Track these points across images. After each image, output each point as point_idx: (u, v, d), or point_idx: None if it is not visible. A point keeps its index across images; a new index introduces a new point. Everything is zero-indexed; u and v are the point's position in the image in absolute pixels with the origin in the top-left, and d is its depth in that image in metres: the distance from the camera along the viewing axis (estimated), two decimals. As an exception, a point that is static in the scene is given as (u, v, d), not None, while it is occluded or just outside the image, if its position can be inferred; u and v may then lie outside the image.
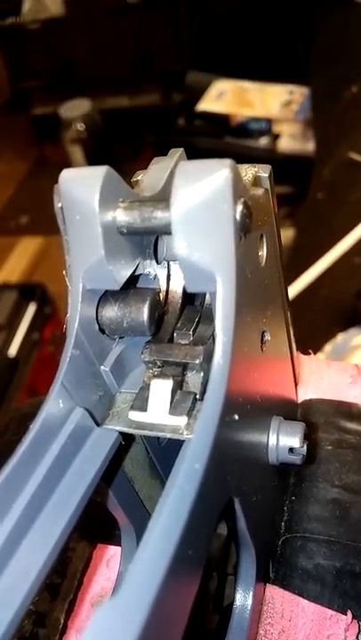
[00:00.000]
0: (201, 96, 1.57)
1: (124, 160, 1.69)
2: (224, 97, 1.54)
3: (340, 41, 1.17)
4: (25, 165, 1.88)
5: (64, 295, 0.22)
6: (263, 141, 1.47)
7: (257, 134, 1.48)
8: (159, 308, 0.22)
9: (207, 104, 1.55)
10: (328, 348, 0.72)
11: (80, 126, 1.65)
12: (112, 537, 0.28)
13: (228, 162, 0.18)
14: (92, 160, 1.68)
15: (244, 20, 1.52)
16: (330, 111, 1.11)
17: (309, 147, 1.33)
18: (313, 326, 0.77)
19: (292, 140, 1.43)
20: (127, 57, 1.77)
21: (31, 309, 1.21)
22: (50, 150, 1.83)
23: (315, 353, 0.44)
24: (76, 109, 1.66)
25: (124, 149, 1.72)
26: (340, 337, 0.72)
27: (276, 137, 1.45)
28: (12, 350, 1.15)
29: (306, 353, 0.33)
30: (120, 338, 0.23)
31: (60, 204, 0.20)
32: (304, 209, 1.05)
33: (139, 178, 0.24)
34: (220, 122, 1.52)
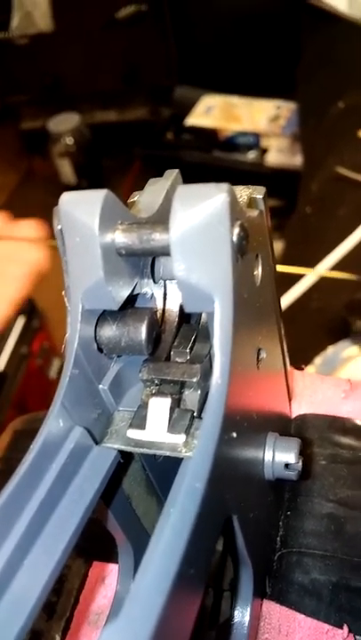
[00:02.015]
0: (189, 111, 1.58)
1: (112, 174, 1.70)
2: (212, 112, 1.56)
3: (326, 57, 1.19)
4: (14, 179, 1.88)
5: (52, 308, 0.22)
6: (251, 155, 1.48)
7: (245, 148, 1.49)
8: (156, 327, 0.23)
9: (195, 119, 1.56)
10: (318, 360, 0.72)
11: (69, 140, 1.66)
12: (108, 555, 0.28)
13: (225, 186, 0.18)
14: (80, 174, 1.68)
15: (232, 36, 1.54)
16: (317, 126, 1.13)
17: (297, 161, 1.34)
18: (303, 339, 0.78)
19: (279, 155, 1.45)
20: (116, 72, 1.79)
21: (19, 323, 1.20)
22: (38, 164, 1.83)
23: (305, 365, 0.44)
24: (64, 123, 1.67)
25: (112, 163, 1.73)
26: (331, 349, 0.73)
27: (263, 151, 1.47)
28: (1, 364, 1.14)
29: (299, 368, 0.34)
30: (118, 357, 0.23)
31: (59, 226, 0.20)
32: (293, 222, 1.06)
33: (135, 199, 0.24)
34: (208, 136, 1.53)
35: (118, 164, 1.71)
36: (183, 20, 1.64)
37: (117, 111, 1.80)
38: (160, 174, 0.25)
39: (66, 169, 1.70)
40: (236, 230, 0.18)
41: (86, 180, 1.72)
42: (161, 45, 1.69)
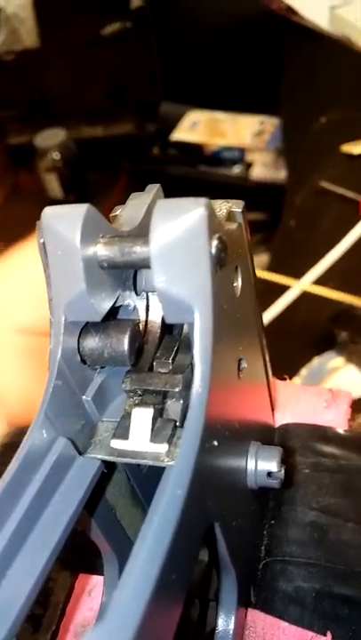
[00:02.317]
0: (175, 126, 1.60)
1: (99, 188, 1.70)
2: (197, 127, 1.58)
3: (308, 73, 1.22)
4: (0, 194, 1.88)
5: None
6: (236, 170, 1.50)
7: (230, 163, 1.51)
8: (139, 338, 0.23)
9: (181, 134, 1.58)
10: (304, 371, 0.73)
11: (55, 155, 1.67)
12: (94, 566, 0.28)
13: (202, 200, 0.19)
14: (67, 188, 1.69)
15: (216, 53, 1.56)
16: (300, 141, 1.15)
17: (281, 175, 1.36)
18: (289, 351, 0.78)
19: (264, 169, 1.46)
20: (101, 88, 1.81)
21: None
22: (25, 179, 1.84)
23: (291, 377, 0.44)
24: (51, 139, 1.68)
25: (99, 178, 1.74)
26: (316, 361, 0.73)
27: (248, 165, 1.49)
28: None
29: (282, 378, 0.34)
30: (101, 368, 0.23)
31: (42, 240, 0.21)
32: (277, 235, 1.07)
33: (117, 213, 0.25)
34: (193, 151, 1.55)
35: (105, 178, 1.72)
36: (168, 38, 1.66)
37: (103, 126, 1.81)
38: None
39: (53, 184, 1.71)
40: (215, 243, 0.19)
41: (73, 195, 1.72)
42: (146, 62, 1.72)
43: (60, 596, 0.28)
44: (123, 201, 0.25)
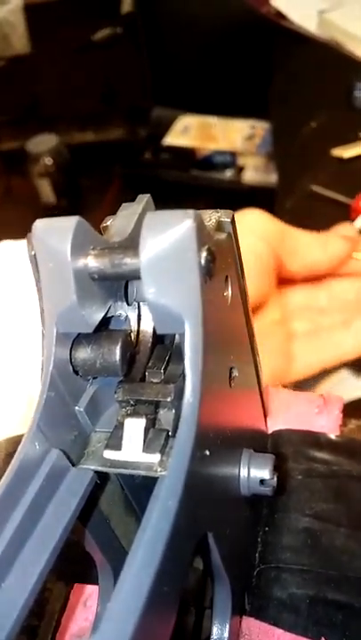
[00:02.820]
0: (166, 131, 1.60)
1: (91, 193, 1.71)
2: (189, 131, 1.59)
3: (297, 77, 1.22)
4: (-8, 199, 1.88)
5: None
6: (228, 174, 1.51)
7: (222, 167, 1.52)
8: (130, 348, 0.23)
9: (173, 138, 1.59)
10: (297, 375, 0.73)
11: (48, 160, 1.67)
12: (89, 576, 0.28)
13: (191, 212, 0.19)
14: (60, 194, 1.69)
15: (207, 58, 1.57)
16: (290, 145, 1.15)
17: (272, 178, 1.37)
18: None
19: (255, 173, 1.47)
20: (93, 93, 1.81)
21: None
22: (17, 184, 1.84)
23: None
24: (43, 144, 1.68)
25: (91, 183, 1.74)
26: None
27: (240, 169, 1.50)
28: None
29: (274, 385, 0.34)
30: (94, 378, 0.23)
31: (33, 252, 0.21)
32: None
33: (108, 223, 0.25)
34: (185, 155, 1.55)
35: (97, 183, 1.73)
36: (158, 43, 1.67)
37: (95, 131, 1.82)
38: (138, 193, 0.25)
39: (45, 189, 1.71)
40: (204, 254, 0.19)
41: (65, 200, 1.72)
42: (137, 67, 1.72)
43: (55, 606, 0.28)
44: (115, 206, 0.25)
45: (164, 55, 1.68)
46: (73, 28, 1.78)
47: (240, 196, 1.43)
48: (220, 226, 0.23)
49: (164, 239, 0.18)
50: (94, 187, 1.73)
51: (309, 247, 0.51)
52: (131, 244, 0.21)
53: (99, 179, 1.74)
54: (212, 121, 1.59)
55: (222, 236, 0.23)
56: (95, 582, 0.27)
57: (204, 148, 1.54)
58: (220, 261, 0.21)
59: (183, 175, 1.54)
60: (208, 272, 0.19)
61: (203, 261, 0.19)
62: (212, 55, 1.56)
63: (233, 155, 1.51)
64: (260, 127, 1.52)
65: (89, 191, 1.74)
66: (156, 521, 0.17)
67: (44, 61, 1.80)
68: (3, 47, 1.86)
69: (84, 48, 1.78)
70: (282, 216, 1.02)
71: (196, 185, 1.50)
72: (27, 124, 1.80)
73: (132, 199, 0.25)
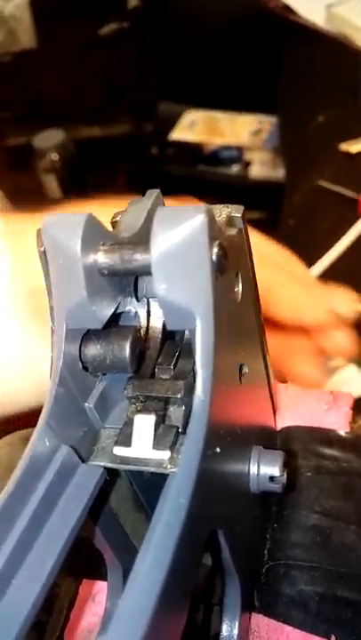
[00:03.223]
0: (173, 126, 1.60)
1: (97, 189, 1.70)
2: (196, 126, 1.58)
3: (305, 72, 1.21)
4: (-1, 195, 1.88)
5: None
6: (235, 169, 1.50)
7: (228, 162, 1.51)
8: (140, 344, 0.23)
9: (180, 133, 1.58)
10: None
11: (54, 156, 1.66)
12: (98, 572, 0.28)
13: (202, 207, 0.19)
14: (66, 189, 1.69)
15: (213, 52, 1.56)
16: (298, 140, 1.15)
17: (280, 174, 1.36)
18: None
19: (262, 168, 1.46)
20: (99, 88, 1.80)
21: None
22: (24, 180, 1.84)
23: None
24: (49, 140, 1.67)
25: (97, 178, 1.74)
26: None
27: (247, 164, 1.49)
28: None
29: (283, 381, 0.34)
30: (103, 375, 0.23)
31: (42, 248, 0.21)
32: (276, 235, 1.07)
33: (117, 219, 0.25)
34: (192, 150, 1.55)
35: (103, 179, 1.72)
36: (165, 37, 1.66)
37: (101, 127, 1.81)
38: (145, 189, 0.25)
39: (52, 185, 1.71)
40: (215, 250, 0.19)
41: (72, 196, 1.72)
42: (143, 62, 1.71)
43: (65, 601, 0.28)
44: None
45: (171, 50, 1.67)
46: (79, 22, 1.77)
47: (247, 192, 1.42)
48: (230, 221, 0.23)
49: (176, 234, 0.18)
50: (100, 182, 1.72)
51: (295, 300, 0.46)
52: (141, 239, 0.21)
53: (105, 174, 1.73)
54: (219, 116, 1.58)
55: (233, 231, 0.23)
56: (104, 578, 0.27)
57: (211, 143, 1.53)
58: (231, 257, 0.20)
59: (189, 170, 1.53)
60: (219, 268, 0.19)
61: (214, 257, 0.19)
62: (218, 50, 1.55)
63: (240, 150, 1.51)
64: (267, 122, 1.51)
65: (95, 187, 1.73)
66: (167, 519, 0.16)
67: (49, 56, 1.79)
68: (9, 42, 1.85)
69: (91, 43, 1.77)
70: (289, 212, 1.02)
71: (202, 180, 1.50)
72: (33, 120, 1.80)
73: (139, 195, 0.25)
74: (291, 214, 1.01)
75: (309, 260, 0.83)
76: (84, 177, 1.74)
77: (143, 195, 0.25)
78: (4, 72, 1.82)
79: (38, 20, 1.82)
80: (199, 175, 1.51)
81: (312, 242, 0.90)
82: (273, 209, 1.14)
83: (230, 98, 1.55)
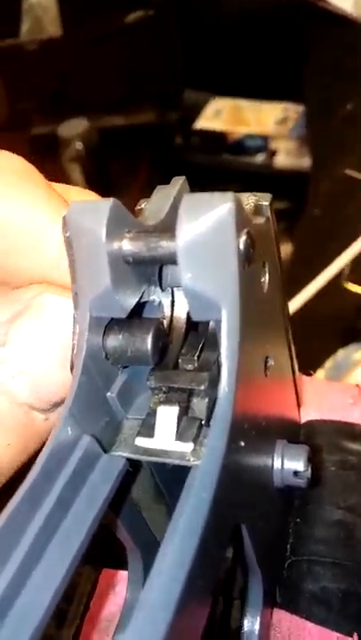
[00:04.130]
0: (197, 114, 1.58)
1: (121, 178, 1.70)
2: (221, 115, 1.56)
3: (333, 59, 1.19)
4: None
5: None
6: (260, 158, 1.48)
7: (253, 151, 1.49)
8: (163, 337, 0.23)
9: (205, 122, 1.57)
10: (329, 364, 0.72)
11: (78, 145, 1.66)
12: (117, 561, 0.28)
13: (230, 195, 0.18)
14: (89, 178, 1.69)
15: (239, 39, 1.54)
16: (325, 128, 1.13)
17: (305, 163, 1.34)
18: (313, 342, 0.77)
19: (287, 157, 1.44)
20: (123, 76, 1.79)
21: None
22: (48, 169, 1.84)
23: (315, 370, 0.43)
24: (73, 129, 1.67)
25: (121, 167, 1.73)
26: (341, 353, 0.72)
27: (272, 153, 1.47)
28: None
29: (307, 374, 0.33)
30: (124, 367, 0.23)
31: (68, 234, 0.20)
32: (301, 225, 1.06)
33: (142, 206, 0.24)
34: (216, 139, 1.53)
35: (127, 167, 1.72)
36: (190, 25, 1.64)
37: (125, 116, 1.80)
38: (169, 178, 0.25)
39: (75, 174, 1.71)
40: (243, 239, 0.18)
41: (95, 185, 1.72)
42: (168, 50, 1.70)
43: (84, 590, 0.28)
44: (145, 191, 0.25)
45: (196, 38, 1.65)
46: (105, 10, 1.76)
47: (272, 181, 1.41)
48: (257, 210, 0.23)
49: (203, 222, 0.18)
50: (124, 171, 1.72)
51: None
52: (166, 227, 0.21)
53: (128, 163, 1.73)
54: (244, 104, 1.56)
55: (261, 220, 0.22)
56: (123, 568, 0.27)
57: (236, 132, 1.52)
58: (258, 247, 0.20)
59: (214, 159, 1.52)
60: (247, 257, 0.19)
61: (242, 246, 0.18)
62: (245, 37, 1.53)
63: (265, 139, 1.49)
64: (293, 110, 1.48)
65: (119, 176, 1.73)
66: (191, 512, 0.16)
67: (75, 45, 1.78)
68: (35, 30, 1.85)
69: (116, 31, 1.76)
70: (315, 201, 1.00)
71: (226, 169, 1.48)
72: (57, 109, 1.80)
73: (163, 184, 0.25)
74: (316, 203, 0.99)
75: (335, 249, 0.82)
76: (108, 166, 1.74)
77: (166, 184, 0.25)
78: (29, 60, 1.82)
79: (64, 9, 1.81)
80: (224, 164, 1.50)
81: (338, 231, 0.89)
82: (298, 198, 1.13)
83: (256, 86, 1.53)
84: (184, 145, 1.60)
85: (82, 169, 1.68)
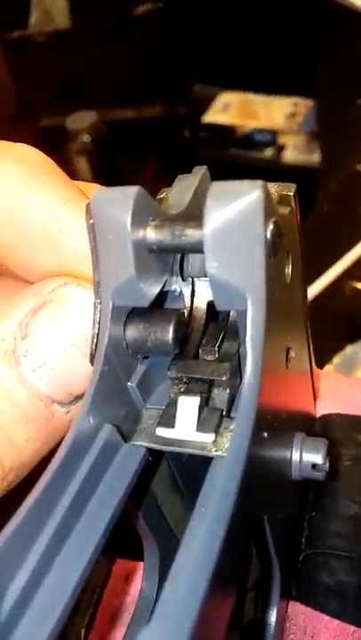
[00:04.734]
0: (206, 108, 1.58)
1: (129, 171, 1.70)
2: (229, 109, 1.55)
3: (345, 54, 1.18)
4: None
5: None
6: (268, 153, 1.48)
7: (262, 146, 1.48)
8: (183, 328, 0.23)
9: (213, 116, 1.56)
10: (337, 360, 0.72)
11: (86, 138, 1.66)
12: (131, 552, 0.28)
13: (259, 183, 0.18)
14: (97, 171, 1.68)
15: (249, 33, 1.53)
16: (335, 124, 1.12)
17: (314, 158, 1.33)
18: (321, 338, 0.77)
19: (296, 152, 1.44)
20: (132, 69, 1.79)
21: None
22: (55, 161, 1.84)
23: (323, 366, 0.43)
24: (82, 121, 1.67)
25: (129, 160, 1.73)
26: (349, 349, 0.72)
27: (281, 148, 1.46)
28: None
29: (319, 367, 0.33)
30: (144, 358, 0.23)
31: (91, 221, 0.20)
32: (311, 220, 1.05)
33: (164, 195, 0.24)
34: (225, 133, 1.53)
35: (135, 160, 1.71)
36: (200, 18, 1.63)
37: (134, 109, 1.80)
38: (177, 171, 0.25)
39: (83, 166, 1.70)
40: (270, 228, 0.18)
41: (103, 178, 1.72)
42: (177, 42, 1.69)
43: (98, 579, 0.28)
44: (153, 184, 0.25)
45: (206, 31, 1.64)
46: (114, 2, 1.75)
47: (280, 176, 1.40)
48: (282, 200, 0.22)
49: (230, 210, 0.18)
50: (132, 164, 1.71)
51: None
52: (189, 215, 0.21)
53: (136, 156, 1.72)
54: (254, 98, 1.55)
55: (286, 210, 0.22)
56: (137, 558, 0.27)
57: (244, 126, 1.51)
58: (283, 237, 0.20)
59: (222, 154, 1.51)
60: (274, 247, 0.19)
61: (269, 235, 0.18)
62: (255, 31, 1.52)
63: (273, 133, 1.48)
64: (302, 104, 1.47)
65: (127, 169, 1.72)
66: (217, 503, 0.16)
67: (84, 37, 1.78)
68: (44, 22, 1.84)
69: (125, 23, 1.75)
70: (324, 197, 1.00)
71: (234, 164, 1.48)
72: (66, 101, 1.79)
73: (171, 177, 0.24)
74: (326, 199, 0.99)
75: (344, 246, 0.82)
76: (116, 159, 1.73)
77: (173, 178, 0.24)
78: (38, 52, 1.81)
79: (73, 0, 1.80)
80: (232, 159, 1.49)
81: (347, 228, 0.88)
82: (307, 194, 1.12)
83: (266, 80, 1.53)
84: (192, 138, 1.59)
85: (89, 161, 1.67)
